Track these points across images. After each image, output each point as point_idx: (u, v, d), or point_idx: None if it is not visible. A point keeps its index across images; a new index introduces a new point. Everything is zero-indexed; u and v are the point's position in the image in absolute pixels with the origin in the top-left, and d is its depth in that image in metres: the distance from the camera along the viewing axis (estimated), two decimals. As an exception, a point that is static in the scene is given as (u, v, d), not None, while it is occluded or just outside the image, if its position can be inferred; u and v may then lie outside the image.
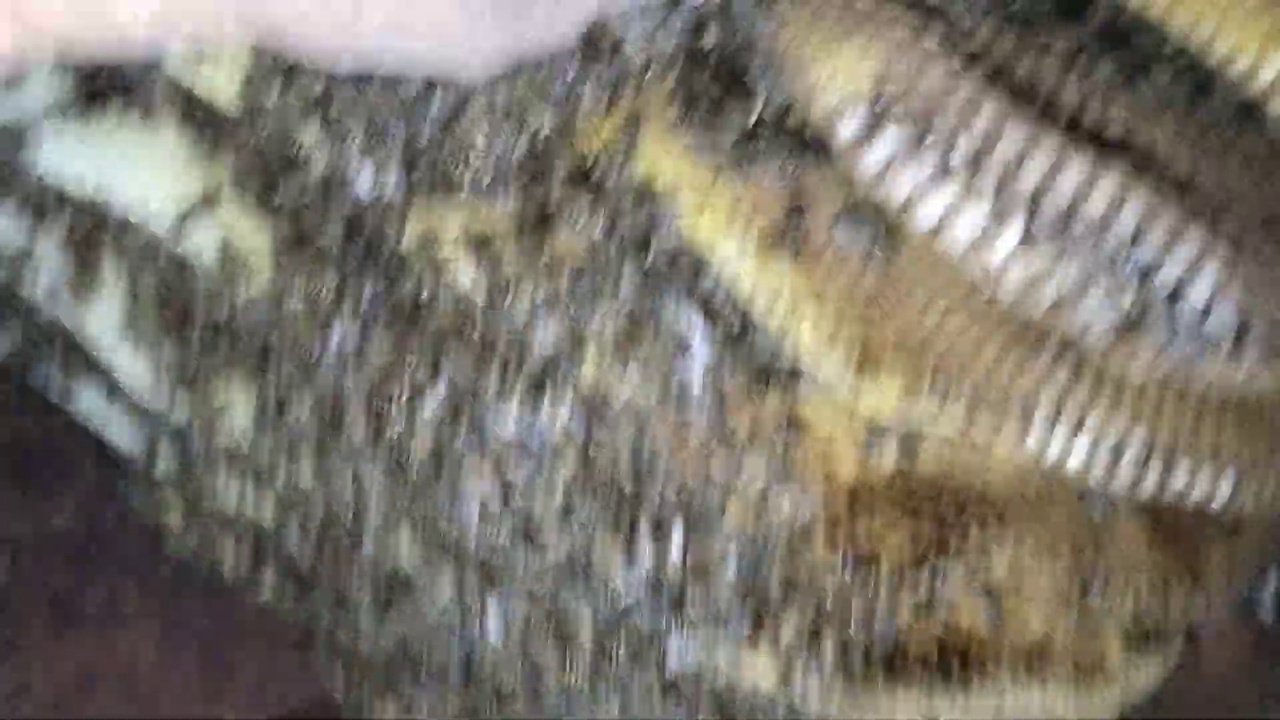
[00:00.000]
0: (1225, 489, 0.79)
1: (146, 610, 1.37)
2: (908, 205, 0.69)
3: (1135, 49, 0.92)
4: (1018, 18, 0.91)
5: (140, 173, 0.88)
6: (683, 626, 0.78)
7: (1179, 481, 0.77)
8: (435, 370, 0.78)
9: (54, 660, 1.33)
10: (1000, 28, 0.91)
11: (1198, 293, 0.69)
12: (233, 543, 1.02)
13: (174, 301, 0.89)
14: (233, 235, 0.86)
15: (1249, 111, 0.92)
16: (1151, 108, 0.93)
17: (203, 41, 0.51)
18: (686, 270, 0.75)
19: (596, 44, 0.74)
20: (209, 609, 1.27)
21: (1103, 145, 0.79)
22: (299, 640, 1.12)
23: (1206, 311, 0.69)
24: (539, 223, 0.75)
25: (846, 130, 0.71)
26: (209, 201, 0.86)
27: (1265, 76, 0.74)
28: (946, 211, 0.68)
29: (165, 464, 0.99)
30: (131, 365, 0.92)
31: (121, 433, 1.01)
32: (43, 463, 1.36)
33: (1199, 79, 0.91)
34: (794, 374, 0.76)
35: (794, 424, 0.77)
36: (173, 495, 1.02)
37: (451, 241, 0.76)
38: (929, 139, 0.68)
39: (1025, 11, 0.91)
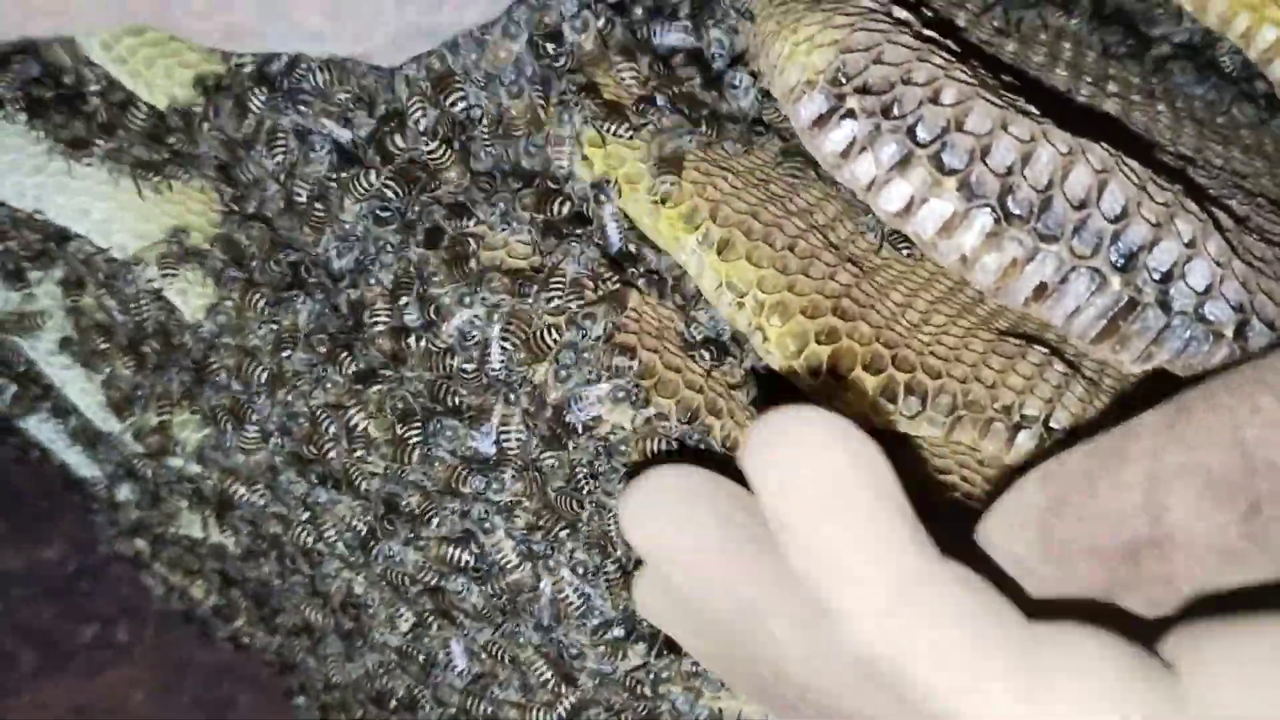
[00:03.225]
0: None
1: (138, 646, 1.35)
2: (872, 188, 0.63)
3: (1129, 26, 0.87)
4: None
5: (98, 201, 0.85)
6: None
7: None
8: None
9: (45, 698, 1.30)
10: (985, 9, 0.86)
11: (1196, 274, 0.62)
12: (200, 568, 0.99)
13: (119, 327, 0.86)
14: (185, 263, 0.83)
15: (1258, 96, 0.87)
16: (1151, 87, 0.88)
17: (67, 24, 0.47)
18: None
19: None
20: (201, 644, 1.24)
21: (1089, 123, 0.74)
22: (280, 669, 1.09)
23: (1205, 294, 0.62)
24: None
25: (806, 111, 0.65)
26: (178, 244, 0.83)
27: (1267, 37, 0.68)
28: (913, 194, 0.62)
29: (127, 490, 0.95)
30: (77, 387, 0.89)
31: (80, 460, 0.98)
32: (32, 500, 1.34)
33: (1201, 52, 0.87)
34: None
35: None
36: (138, 521, 0.99)
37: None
38: (892, 118, 0.62)
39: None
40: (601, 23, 0.71)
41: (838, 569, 0.44)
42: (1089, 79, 0.83)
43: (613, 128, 0.70)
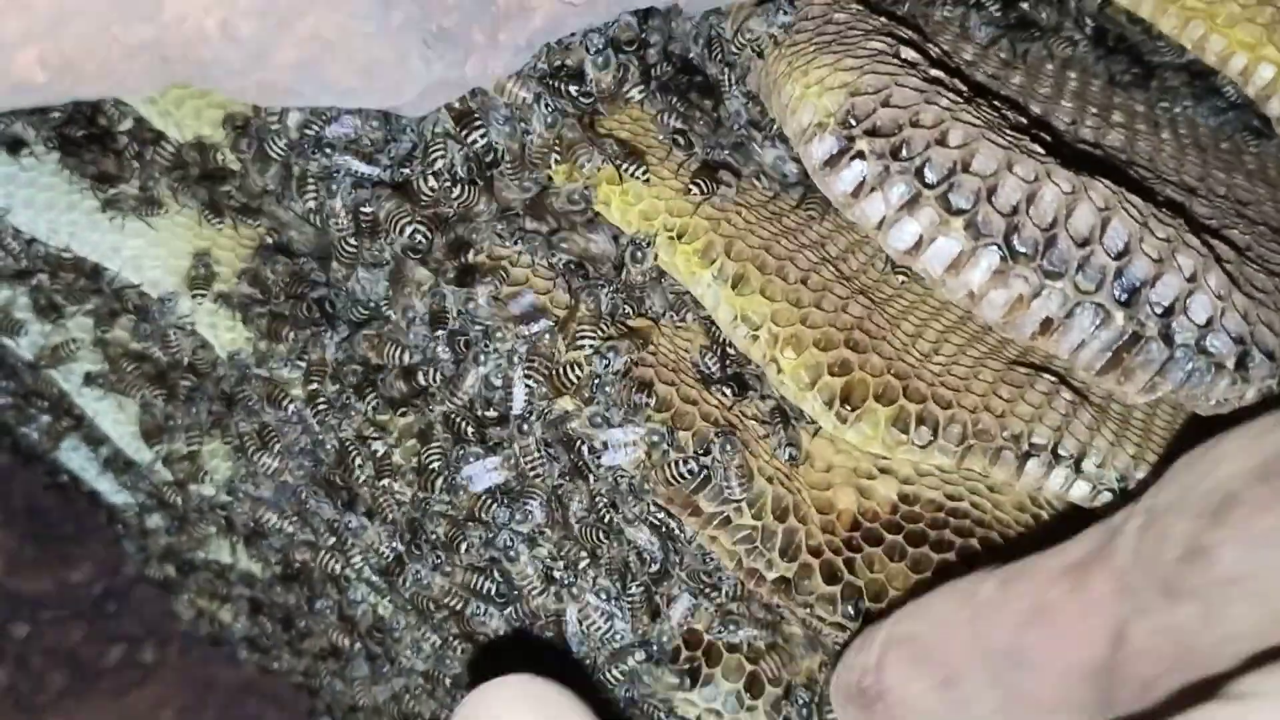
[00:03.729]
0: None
1: (165, 666, 1.37)
2: (882, 226, 0.65)
3: (1134, 55, 0.89)
4: (1011, 30, 0.89)
5: (129, 238, 0.88)
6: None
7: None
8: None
9: (74, 718, 1.33)
10: (992, 42, 0.89)
11: (1197, 308, 0.64)
12: (229, 593, 1.01)
13: (150, 359, 0.88)
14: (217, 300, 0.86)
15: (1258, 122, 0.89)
16: (1156, 116, 0.90)
17: (114, 86, 0.50)
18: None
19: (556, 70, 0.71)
20: (225, 663, 1.27)
21: (1093, 159, 0.76)
22: (307, 692, 1.11)
23: (1207, 327, 0.64)
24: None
25: (818, 151, 0.67)
26: (205, 268, 0.86)
27: (1264, 75, 0.70)
28: (922, 233, 0.64)
29: (157, 518, 0.98)
30: (109, 418, 0.91)
31: (111, 487, 1.00)
32: (59, 524, 1.36)
33: (1202, 84, 0.88)
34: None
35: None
36: (167, 548, 1.01)
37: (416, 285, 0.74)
38: (901, 159, 0.64)
39: (1020, 23, 0.89)
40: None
41: None
42: (1094, 109, 0.85)
43: (630, 168, 0.73)
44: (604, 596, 0.73)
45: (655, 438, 0.71)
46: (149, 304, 0.88)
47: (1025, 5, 0.87)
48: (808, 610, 0.73)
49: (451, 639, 0.81)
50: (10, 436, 1.09)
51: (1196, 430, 0.65)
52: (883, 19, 0.76)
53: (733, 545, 0.72)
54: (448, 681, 0.84)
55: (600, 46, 0.71)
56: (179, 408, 0.89)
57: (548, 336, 0.71)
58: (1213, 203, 0.79)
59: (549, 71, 0.70)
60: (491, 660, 0.79)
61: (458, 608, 0.78)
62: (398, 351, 0.74)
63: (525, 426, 0.72)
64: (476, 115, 0.70)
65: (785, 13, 0.74)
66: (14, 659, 1.34)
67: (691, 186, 0.73)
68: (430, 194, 0.70)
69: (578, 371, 0.70)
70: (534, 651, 0.77)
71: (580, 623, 0.73)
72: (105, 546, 1.32)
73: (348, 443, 0.78)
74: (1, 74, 0.46)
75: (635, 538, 0.72)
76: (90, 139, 0.88)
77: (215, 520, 0.93)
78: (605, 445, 0.71)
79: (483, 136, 0.70)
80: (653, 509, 0.73)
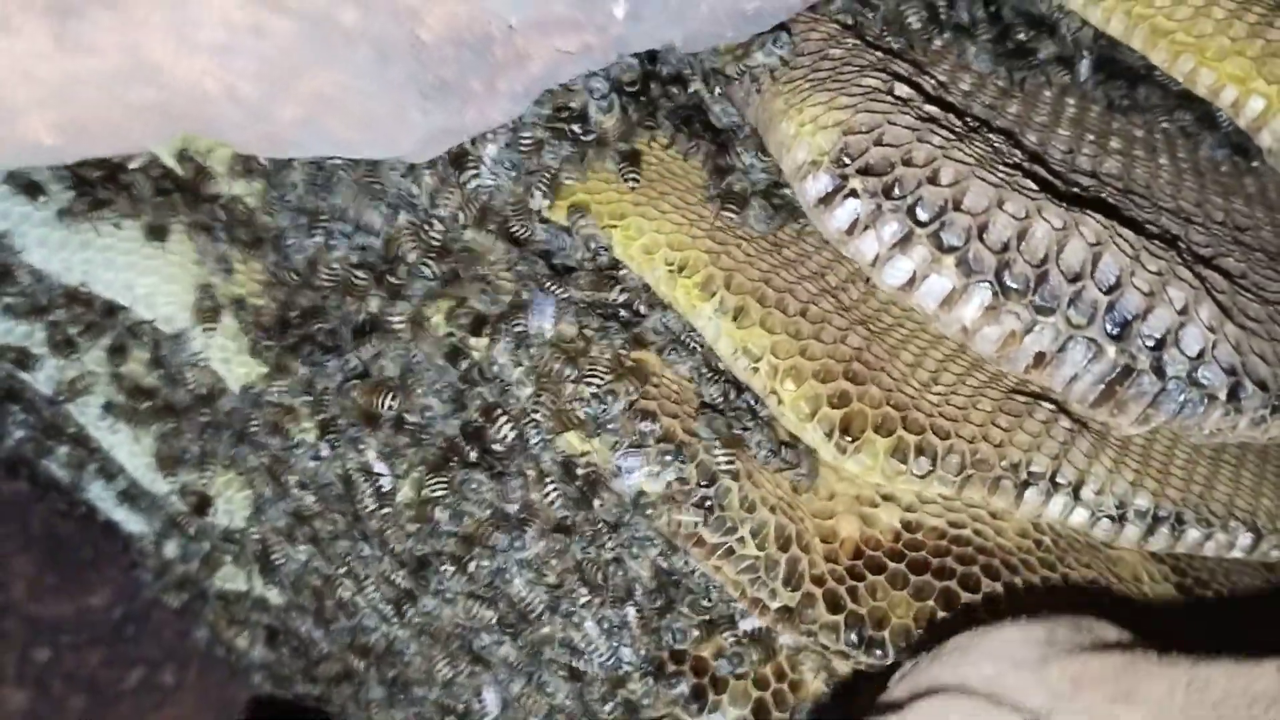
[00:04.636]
0: (1245, 540, 0.75)
1: (184, 689, 1.38)
2: (876, 263, 0.66)
3: (1129, 86, 0.90)
4: (1008, 58, 0.90)
5: (142, 276, 0.90)
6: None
7: (1191, 538, 0.73)
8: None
9: (94, 741, 1.34)
10: (990, 71, 0.89)
11: (1188, 340, 0.65)
12: (245, 620, 1.02)
13: (164, 392, 0.90)
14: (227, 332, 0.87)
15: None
16: (1154, 141, 0.90)
17: (122, 144, 0.51)
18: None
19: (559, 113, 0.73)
20: (245, 685, 1.28)
21: (1087, 191, 0.77)
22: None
23: (1199, 359, 0.65)
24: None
25: (813, 189, 0.69)
26: (210, 299, 0.87)
27: (1254, 107, 0.71)
28: (915, 270, 0.65)
29: (173, 547, 0.99)
30: (125, 450, 0.93)
31: (127, 517, 1.02)
32: (77, 549, 1.38)
33: (1195, 113, 0.89)
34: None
35: (794, 483, 0.75)
36: (183, 576, 1.03)
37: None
38: (893, 198, 0.66)
39: (1016, 52, 0.90)
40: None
41: None
42: (1091, 136, 0.86)
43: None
44: (606, 625, 0.74)
45: (667, 457, 0.72)
46: (162, 339, 0.89)
47: (1021, 36, 0.88)
48: (811, 639, 0.74)
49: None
50: (29, 468, 1.11)
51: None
52: (878, 54, 0.78)
53: (736, 575, 0.73)
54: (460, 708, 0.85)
55: (604, 91, 0.72)
56: (193, 439, 0.90)
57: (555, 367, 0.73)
58: (1209, 229, 0.80)
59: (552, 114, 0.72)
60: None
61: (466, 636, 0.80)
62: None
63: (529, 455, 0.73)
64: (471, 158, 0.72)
65: (783, 45, 0.75)
66: (34, 683, 1.35)
67: (723, 212, 0.74)
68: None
69: (584, 411, 0.71)
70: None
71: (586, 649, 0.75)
72: (123, 572, 1.33)
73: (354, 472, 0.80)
74: (13, 138, 0.48)
75: (638, 569, 0.74)
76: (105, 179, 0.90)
77: (228, 549, 0.94)
78: (620, 470, 0.72)
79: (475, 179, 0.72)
80: (655, 540, 0.74)
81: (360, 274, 0.77)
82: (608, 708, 0.76)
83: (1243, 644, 0.53)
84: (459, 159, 0.70)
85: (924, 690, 0.56)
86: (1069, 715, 0.52)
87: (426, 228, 0.73)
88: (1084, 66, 0.89)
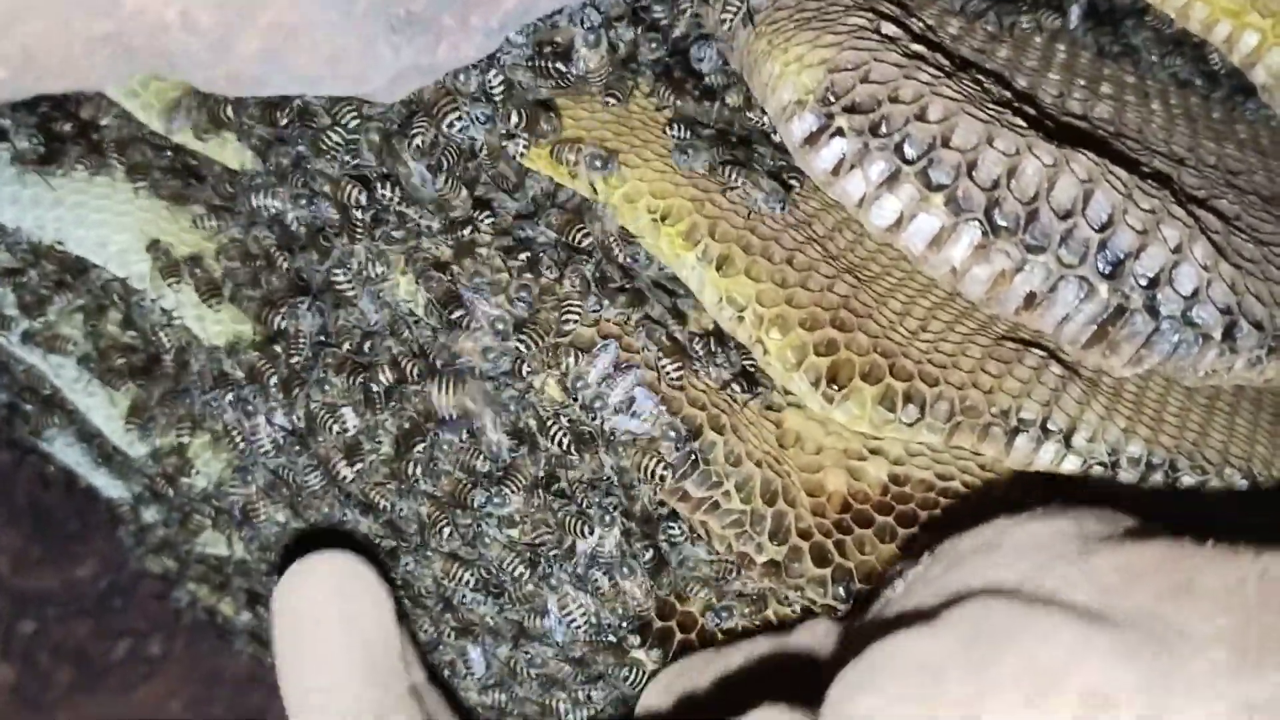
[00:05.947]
0: (1241, 486, 0.74)
1: (172, 659, 1.38)
2: (863, 204, 0.65)
3: (1120, 26, 0.88)
4: (997, 3, 0.88)
5: (116, 233, 0.88)
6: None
7: (1187, 480, 0.72)
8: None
9: (82, 713, 1.33)
10: (978, 15, 0.88)
11: (1182, 279, 0.64)
12: (227, 584, 1.01)
13: (137, 350, 0.88)
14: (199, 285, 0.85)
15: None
16: (1146, 87, 0.89)
17: (79, 80, 0.49)
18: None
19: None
20: (232, 655, 1.27)
21: (1078, 130, 0.75)
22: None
23: (1193, 298, 0.64)
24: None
25: (798, 129, 0.67)
26: (164, 254, 0.85)
27: (1248, 42, 0.69)
28: (902, 210, 0.64)
29: (153, 511, 0.98)
30: (101, 413, 0.91)
31: (106, 482, 1.01)
32: (62, 521, 1.37)
33: (1190, 54, 0.87)
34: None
35: (781, 436, 0.74)
36: (163, 540, 1.01)
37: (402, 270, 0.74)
38: (880, 135, 0.64)
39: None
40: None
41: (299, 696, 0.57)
42: (1082, 81, 0.84)
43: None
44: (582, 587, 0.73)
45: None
46: (134, 296, 0.88)
47: (1011, -23, 0.86)
48: (799, 593, 0.73)
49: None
50: (7, 433, 1.09)
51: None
52: (864, -7, 0.76)
53: (722, 529, 0.72)
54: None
55: (595, 24, 0.70)
56: (168, 399, 0.89)
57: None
58: (1202, 173, 0.78)
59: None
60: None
61: (447, 595, 0.78)
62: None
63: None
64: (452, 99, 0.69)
65: None
66: (21, 656, 1.34)
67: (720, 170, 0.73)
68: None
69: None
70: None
71: (561, 613, 0.73)
72: (108, 543, 1.32)
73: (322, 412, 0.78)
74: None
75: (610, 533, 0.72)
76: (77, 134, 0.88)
77: (207, 512, 0.93)
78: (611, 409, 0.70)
79: (459, 122, 0.69)
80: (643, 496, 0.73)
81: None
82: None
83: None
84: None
85: (953, 595, 0.51)
86: (1123, 611, 0.46)
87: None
88: (1075, 11, 0.87)
